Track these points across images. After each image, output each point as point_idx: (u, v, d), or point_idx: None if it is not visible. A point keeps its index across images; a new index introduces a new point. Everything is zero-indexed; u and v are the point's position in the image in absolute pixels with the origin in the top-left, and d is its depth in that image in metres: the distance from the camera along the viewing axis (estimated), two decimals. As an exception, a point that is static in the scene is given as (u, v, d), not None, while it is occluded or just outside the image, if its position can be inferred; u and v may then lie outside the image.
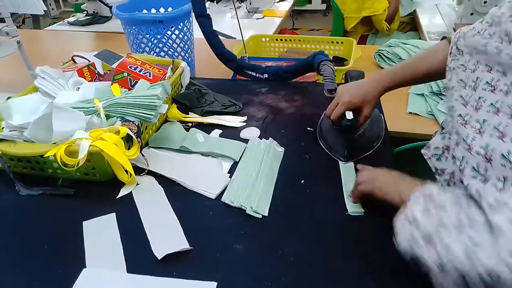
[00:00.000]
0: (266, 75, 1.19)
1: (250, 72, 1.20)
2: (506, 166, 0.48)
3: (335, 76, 1.01)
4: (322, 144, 0.88)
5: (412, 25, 2.57)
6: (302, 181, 0.77)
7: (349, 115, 0.82)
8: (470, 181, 0.53)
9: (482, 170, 0.52)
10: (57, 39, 2.02)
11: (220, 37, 1.20)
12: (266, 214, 0.69)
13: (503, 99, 0.53)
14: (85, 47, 1.86)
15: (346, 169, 0.80)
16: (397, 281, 0.57)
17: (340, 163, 0.82)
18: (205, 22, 1.13)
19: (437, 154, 0.68)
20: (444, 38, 0.77)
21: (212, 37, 1.15)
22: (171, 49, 1.26)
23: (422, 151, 0.72)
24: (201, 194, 0.74)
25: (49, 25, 2.34)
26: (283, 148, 0.87)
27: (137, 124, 0.79)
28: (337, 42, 1.54)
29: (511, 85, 0.53)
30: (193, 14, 1.29)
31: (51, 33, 2.13)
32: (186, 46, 1.29)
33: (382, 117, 0.97)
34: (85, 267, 0.60)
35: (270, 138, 0.89)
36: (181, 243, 0.63)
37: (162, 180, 0.78)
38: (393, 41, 1.55)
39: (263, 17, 2.36)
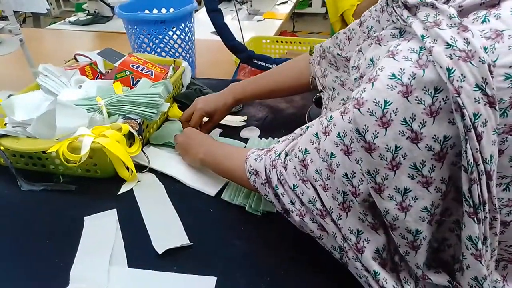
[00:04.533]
0: (275, 65, 1.22)
1: (259, 62, 1.23)
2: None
3: None
4: (306, 119, 0.98)
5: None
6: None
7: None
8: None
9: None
10: (58, 38, 2.02)
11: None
12: (275, 210, 0.70)
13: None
14: (86, 46, 1.86)
15: None
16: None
17: None
18: (217, 16, 1.17)
19: None
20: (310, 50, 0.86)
21: (224, 30, 1.19)
22: (172, 50, 1.27)
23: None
24: (201, 191, 0.75)
25: (50, 25, 2.35)
26: None
27: (138, 121, 0.80)
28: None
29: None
30: (194, 15, 1.30)
31: (52, 32, 2.14)
32: (187, 47, 1.30)
33: None
34: (87, 261, 0.61)
35: (270, 137, 0.90)
36: (181, 239, 0.64)
37: (163, 177, 0.79)
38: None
39: (263, 19, 2.37)
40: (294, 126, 0.97)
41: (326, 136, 0.48)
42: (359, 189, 0.45)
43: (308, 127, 0.58)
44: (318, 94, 0.91)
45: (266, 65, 1.24)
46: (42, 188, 0.76)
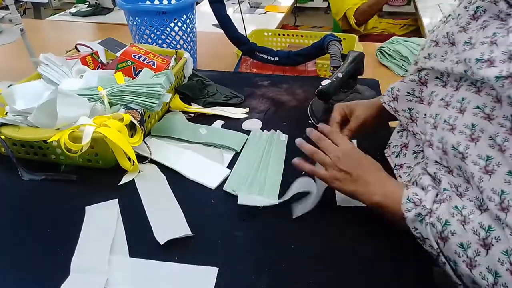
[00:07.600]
0: (277, 58, 1.21)
1: (261, 55, 1.22)
2: (456, 156, 0.51)
3: (341, 55, 1.07)
4: (308, 111, 0.98)
5: (413, 26, 2.59)
6: (303, 172, 0.77)
7: (325, 82, 0.88)
8: (436, 172, 0.56)
9: (444, 162, 0.55)
10: (59, 29, 2.01)
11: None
12: (277, 202, 0.69)
13: (452, 93, 0.56)
14: (87, 37, 1.85)
15: None
16: (398, 270, 0.58)
17: None
18: (219, 7, 1.16)
19: (396, 151, 0.71)
20: None
21: (226, 21, 1.18)
22: (173, 41, 1.26)
23: (385, 151, 0.74)
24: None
25: (50, 16, 2.34)
26: (287, 135, 0.88)
27: (140, 112, 0.80)
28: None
29: (460, 80, 0.56)
30: (196, 7, 1.29)
31: (53, 23, 2.12)
32: (189, 39, 1.29)
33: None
34: (88, 250, 0.60)
35: (272, 129, 0.89)
36: (183, 229, 0.63)
37: (164, 168, 0.79)
38: (395, 38, 1.55)
39: (265, 13, 2.36)
40: (296, 118, 0.97)
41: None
42: None
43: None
44: (320, 87, 0.91)
45: (268, 57, 1.23)
46: (43, 177, 0.76)
